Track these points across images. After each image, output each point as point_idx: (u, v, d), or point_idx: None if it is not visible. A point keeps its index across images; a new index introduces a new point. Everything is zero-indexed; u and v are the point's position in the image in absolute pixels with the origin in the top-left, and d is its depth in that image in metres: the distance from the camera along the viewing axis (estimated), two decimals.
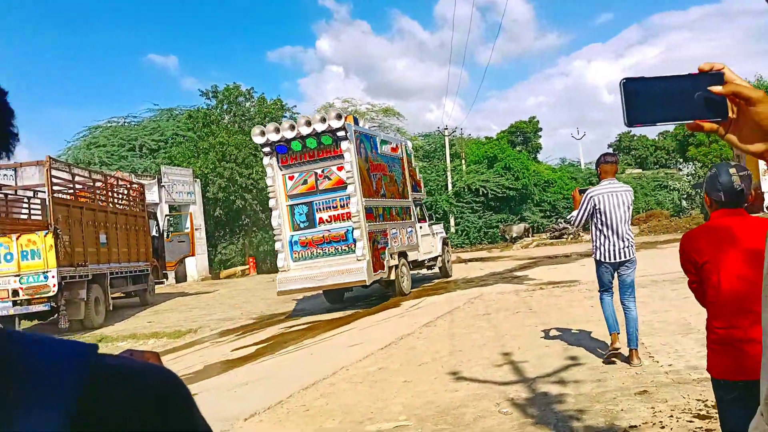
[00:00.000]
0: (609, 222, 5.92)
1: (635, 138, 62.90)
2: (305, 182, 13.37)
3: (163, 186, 27.35)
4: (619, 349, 6.00)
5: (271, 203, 13.52)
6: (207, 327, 12.81)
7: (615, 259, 5.99)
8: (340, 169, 12.98)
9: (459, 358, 7.04)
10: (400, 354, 7.69)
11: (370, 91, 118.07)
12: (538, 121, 53.73)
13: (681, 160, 50.65)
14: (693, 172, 42.37)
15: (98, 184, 16.81)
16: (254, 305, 16.19)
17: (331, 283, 12.88)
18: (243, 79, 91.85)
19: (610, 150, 65.68)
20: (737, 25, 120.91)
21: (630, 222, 6.08)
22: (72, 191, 15.20)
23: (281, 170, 13.45)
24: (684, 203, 40.01)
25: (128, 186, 19.17)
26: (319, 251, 13.20)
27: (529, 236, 33.51)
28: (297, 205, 13.44)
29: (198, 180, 30.67)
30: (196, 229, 25.27)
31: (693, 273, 2.69)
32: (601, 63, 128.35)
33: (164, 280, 21.67)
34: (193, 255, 22.84)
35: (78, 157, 34.42)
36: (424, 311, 11.49)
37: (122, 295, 18.12)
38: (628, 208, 5.99)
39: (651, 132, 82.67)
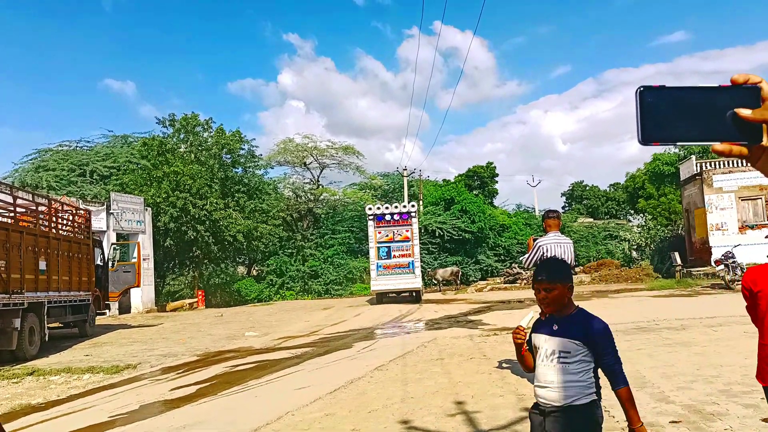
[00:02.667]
0: None
1: (587, 188, 64.50)
2: (387, 236, 24.97)
3: (112, 213, 26.52)
4: None
5: (371, 245, 25.16)
6: (147, 363, 12.19)
7: None
8: (407, 231, 24.98)
9: (411, 406, 6.75)
10: (349, 399, 7.36)
11: (331, 128, 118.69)
12: (495, 167, 54.64)
13: (631, 211, 51.98)
14: (643, 223, 43.39)
15: (42, 208, 16.09)
16: (200, 341, 15.59)
17: (400, 288, 25.12)
18: (202, 109, 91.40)
19: (563, 198, 67.27)
20: (687, 84, 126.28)
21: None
22: (12, 214, 14.49)
23: (375, 228, 25.05)
24: (634, 254, 40.84)
25: (73, 212, 18.44)
26: (392, 272, 24.72)
27: (457, 281, 33.74)
28: (381, 246, 24.93)
29: (149, 209, 29.88)
30: (144, 260, 24.49)
31: (748, 299, 3.27)
32: (556, 114, 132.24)
33: (106, 311, 20.80)
34: (138, 286, 22.02)
35: (25, 180, 33.30)
36: (376, 354, 11.18)
37: (60, 325, 17.26)
38: (569, 257, 6.95)
39: (603, 183, 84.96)
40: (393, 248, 24.81)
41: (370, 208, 25.57)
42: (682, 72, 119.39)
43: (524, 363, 3.04)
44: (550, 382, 2.84)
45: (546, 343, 2.89)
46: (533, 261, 7.04)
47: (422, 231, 37.78)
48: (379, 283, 24.78)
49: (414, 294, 25.72)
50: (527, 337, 2.99)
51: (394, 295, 26.36)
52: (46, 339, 14.77)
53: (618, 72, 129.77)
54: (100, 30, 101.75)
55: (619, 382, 2.80)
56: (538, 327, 2.99)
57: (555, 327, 2.89)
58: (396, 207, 25.36)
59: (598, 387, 2.91)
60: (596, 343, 2.80)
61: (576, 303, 3.09)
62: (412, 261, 24.74)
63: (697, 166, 31.14)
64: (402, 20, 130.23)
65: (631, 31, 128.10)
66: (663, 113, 0.94)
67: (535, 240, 7.18)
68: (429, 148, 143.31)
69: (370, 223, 25.25)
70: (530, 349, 2.99)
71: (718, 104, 0.94)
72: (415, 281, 24.72)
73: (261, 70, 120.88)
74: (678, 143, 0.97)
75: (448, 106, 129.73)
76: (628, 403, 2.79)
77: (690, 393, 6.35)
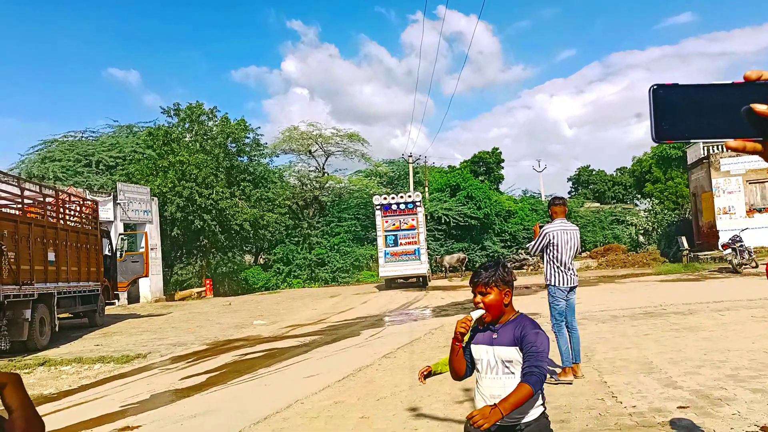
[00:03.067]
0: (559, 255, 6.96)
1: (594, 172, 64.21)
2: (394, 224, 26.71)
3: (119, 204, 26.63)
4: (571, 382, 6.64)
5: (378, 233, 26.99)
6: (157, 352, 12.30)
7: (567, 284, 6.98)
8: (413, 219, 26.71)
9: (419, 393, 6.80)
10: (357, 387, 7.41)
11: (336, 115, 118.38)
12: (500, 152, 54.38)
13: (638, 195, 51.78)
14: (650, 208, 43.25)
15: (49, 199, 16.18)
16: (208, 330, 15.70)
17: (407, 274, 26.69)
18: (206, 98, 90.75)
19: (569, 183, 67.06)
20: (693, 68, 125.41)
21: (575, 256, 7.13)
22: (20, 206, 14.57)
23: (383, 217, 26.75)
24: (641, 238, 40.74)
25: (81, 202, 18.52)
26: (399, 258, 26.46)
27: (463, 267, 33.07)
28: (389, 235, 26.66)
29: (155, 199, 29.97)
30: (151, 249, 24.60)
31: None
32: (562, 98, 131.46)
33: (115, 300, 20.95)
34: (146, 275, 22.13)
35: (31, 171, 33.43)
36: (384, 341, 11.24)
37: (70, 315, 17.40)
38: (575, 244, 7.05)
39: (609, 167, 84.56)
40: (400, 236, 26.62)
41: (377, 198, 27.29)
42: (688, 54, 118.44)
43: (454, 367, 2.82)
44: (497, 396, 2.61)
45: (487, 354, 2.71)
46: (539, 248, 7.11)
47: (428, 218, 37.89)
48: (387, 269, 26.53)
49: (421, 279, 27.08)
50: (467, 338, 2.80)
51: (402, 280, 27.71)
52: (57, 329, 14.90)
53: (624, 55, 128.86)
54: (102, 19, 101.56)
55: (528, 381, 2.55)
56: (478, 337, 2.78)
57: (494, 336, 2.71)
58: (402, 197, 27.04)
59: (543, 396, 2.79)
60: (523, 346, 2.61)
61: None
62: (418, 248, 26.50)
63: (704, 149, 30.98)
64: (406, 5, 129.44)
65: (636, 12, 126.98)
66: (676, 110, 0.95)
67: (541, 227, 7.22)
68: (434, 134, 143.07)
69: (378, 212, 26.94)
70: (466, 355, 2.79)
71: (730, 101, 0.95)
72: (420, 267, 26.37)
73: (264, 57, 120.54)
74: (692, 140, 0.98)
75: (453, 91, 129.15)
76: (515, 393, 2.53)
77: (697, 378, 6.37)
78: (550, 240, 7.01)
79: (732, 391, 5.75)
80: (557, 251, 6.98)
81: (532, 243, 7.27)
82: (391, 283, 27.48)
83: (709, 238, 30.45)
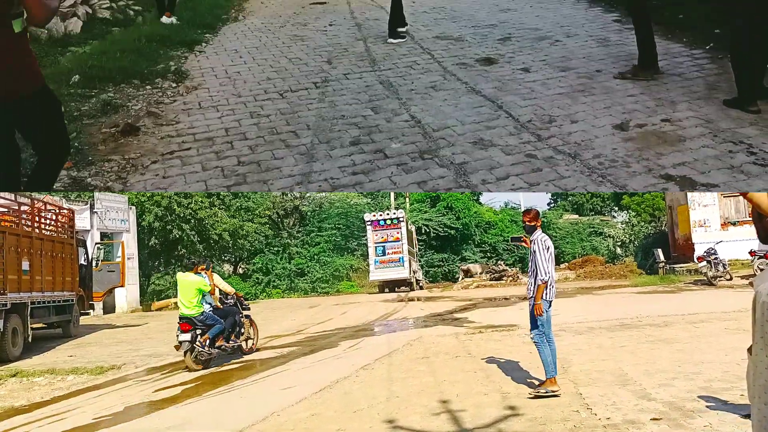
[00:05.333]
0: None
1: None
2: (382, 237, 31.56)
3: (96, 213, 26.33)
4: (558, 392, 6.54)
5: (369, 245, 31.95)
6: (132, 364, 12.12)
7: (550, 296, 6.91)
8: (398, 233, 31.47)
9: (396, 405, 6.79)
10: (334, 399, 7.39)
11: None
12: None
13: (615, 208, 52.35)
14: (627, 220, 43.74)
15: (24, 208, 15.94)
16: None
17: (392, 278, 31.14)
18: None
19: (549, 196, 67.59)
20: None
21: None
22: None
23: (373, 231, 31.76)
24: (618, 250, 41.15)
25: (57, 211, 18.29)
26: (386, 265, 31.13)
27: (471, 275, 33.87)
28: (378, 246, 31.50)
29: (133, 208, 29.69)
30: (128, 259, 24.33)
31: None
32: None
33: (91, 311, 20.65)
34: (122, 285, 21.88)
35: None
36: (362, 353, 11.22)
37: (44, 325, 17.11)
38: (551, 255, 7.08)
39: None
40: (387, 247, 31.52)
41: (367, 215, 33.06)
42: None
43: None
44: None
45: None
46: (552, 259, 6.88)
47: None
48: (377, 274, 31.74)
49: (407, 283, 31.87)
50: None
51: (396, 286, 32.41)
52: (30, 340, 14.63)
53: None
54: None
55: None
56: None
57: None
58: (388, 214, 32.56)
59: None
60: None
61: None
62: (402, 257, 31.34)
63: None
64: None
65: None
66: None
67: (519, 239, 7.34)
68: None
69: (369, 227, 32.34)
70: None
71: None
72: (403, 272, 31.36)
73: None
74: None
75: None
76: None
77: (671, 390, 6.44)
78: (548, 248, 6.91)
79: (704, 403, 5.82)
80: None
81: (545, 263, 6.77)
82: (384, 287, 31.81)
83: (684, 250, 30.85)
